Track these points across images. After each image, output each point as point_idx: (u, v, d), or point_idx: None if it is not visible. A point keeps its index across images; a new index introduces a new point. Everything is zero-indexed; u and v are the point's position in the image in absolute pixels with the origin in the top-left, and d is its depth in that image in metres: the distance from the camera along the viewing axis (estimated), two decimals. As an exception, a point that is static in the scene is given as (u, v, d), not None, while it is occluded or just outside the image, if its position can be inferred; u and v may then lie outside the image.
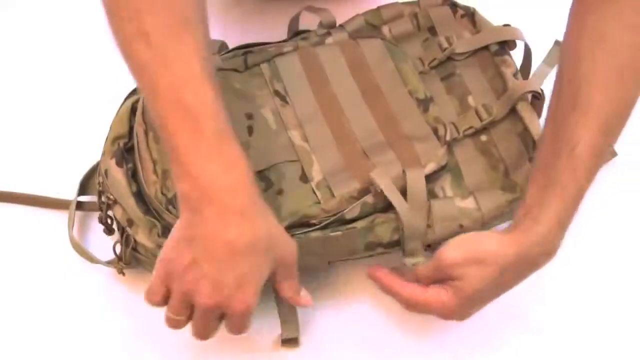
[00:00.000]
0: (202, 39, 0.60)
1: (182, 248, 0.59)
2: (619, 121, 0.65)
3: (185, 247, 0.59)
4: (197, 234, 0.59)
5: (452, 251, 0.65)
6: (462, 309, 0.66)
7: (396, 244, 0.72)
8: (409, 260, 0.71)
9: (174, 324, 0.63)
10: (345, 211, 0.70)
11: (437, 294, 0.66)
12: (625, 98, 0.65)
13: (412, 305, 0.68)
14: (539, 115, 0.77)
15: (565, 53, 0.68)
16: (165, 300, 0.62)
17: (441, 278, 0.66)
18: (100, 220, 0.74)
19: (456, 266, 0.64)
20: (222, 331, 0.76)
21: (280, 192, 0.71)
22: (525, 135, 0.76)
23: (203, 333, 0.64)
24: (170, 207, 0.69)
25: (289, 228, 0.69)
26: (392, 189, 0.70)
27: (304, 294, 0.67)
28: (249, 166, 0.59)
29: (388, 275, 0.70)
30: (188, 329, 0.64)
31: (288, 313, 0.71)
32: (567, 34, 0.69)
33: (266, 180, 0.72)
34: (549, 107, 0.68)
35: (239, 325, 0.63)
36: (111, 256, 0.76)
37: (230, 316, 0.62)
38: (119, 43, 0.60)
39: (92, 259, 0.76)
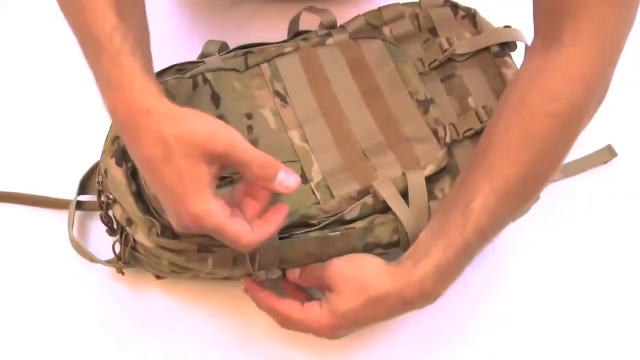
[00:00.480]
0: None
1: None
2: (522, 191, 0.65)
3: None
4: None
5: (342, 264, 0.67)
6: (333, 326, 0.66)
7: (395, 245, 0.72)
8: None
9: None
10: (344, 212, 0.70)
11: (311, 309, 0.67)
12: (531, 168, 0.64)
13: (286, 322, 0.69)
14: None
15: (497, 106, 0.69)
16: None
17: (322, 284, 0.68)
18: (102, 220, 0.74)
19: (339, 277, 0.66)
20: (221, 331, 0.76)
21: None
22: None
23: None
24: None
25: (288, 228, 0.69)
26: (395, 198, 0.70)
27: (282, 177, 0.59)
28: (138, 80, 0.57)
29: (263, 291, 0.70)
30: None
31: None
32: (507, 86, 0.69)
33: None
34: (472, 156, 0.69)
35: (224, 239, 0.59)
36: (111, 255, 0.75)
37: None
38: None
39: (91, 259, 0.76)
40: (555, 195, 0.84)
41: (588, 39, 0.62)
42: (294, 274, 0.70)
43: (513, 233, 0.79)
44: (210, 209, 0.56)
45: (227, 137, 0.57)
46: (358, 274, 0.66)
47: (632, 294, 0.80)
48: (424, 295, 0.65)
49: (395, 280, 0.65)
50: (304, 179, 0.72)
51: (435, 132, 0.74)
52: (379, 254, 0.71)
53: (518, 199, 0.66)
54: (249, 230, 0.59)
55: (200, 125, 0.57)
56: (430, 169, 0.72)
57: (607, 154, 0.87)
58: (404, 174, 0.71)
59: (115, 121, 0.59)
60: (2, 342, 0.77)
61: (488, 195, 0.64)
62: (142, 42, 0.61)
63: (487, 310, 0.79)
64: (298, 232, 0.69)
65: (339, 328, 0.67)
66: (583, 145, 0.85)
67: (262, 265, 0.69)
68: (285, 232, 0.69)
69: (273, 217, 0.61)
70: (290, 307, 0.68)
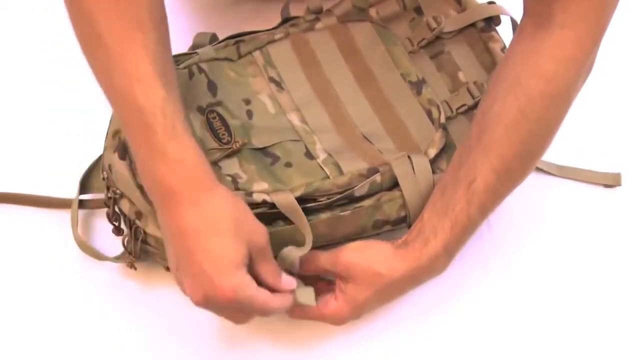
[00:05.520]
0: (154, 38, 0.62)
1: (168, 251, 0.63)
2: (519, 168, 0.69)
3: (169, 250, 0.62)
4: (167, 232, 0.62)
5: (351, 254, 0.69)
6: (351, 315, 0.70)
7: (402, 221, 0.73)
8: None
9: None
10: (355, 188, 0.70)
11: (327, 304, 0.69)
12: (528, 146, 0.68)
13: (300, 315, 0.70)
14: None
15: (489, 86, 0.71)
16: None
17: (328, 273, 0.70)
18: (109, 219, 0.73)
19: (352, 269, 0.68)
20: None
21: (288, 164, 0.72)
22: None
23: (234, 321, 0.65)
24: None
25: (301, 201, 0.69)
26: (409, 176, 0.72)
27: (285, 278, 0.66)
28: (199, 157, 0.61)
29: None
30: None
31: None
32: (498, 66, 0.72)
33: (272, 155, 0.73)
34: (468, 135, 0.71)
35: (253, 312, 0.64)
36: (117, 252, 0.75)
37: (234, 307, 0.62)
38: (79, 42, 0.63)
39: (99, 257, 0.75)
40: (550, 190, 0.87)
41: (577, 21, 0.65)
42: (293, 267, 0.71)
43: (507, 214, 0.83)
44: (246, 281, 0.61)
45: (267, 234, 0.63)
46: (369, 263, 0.68)
47: (616, 273, 0.83)
48: (432, 273, 0.69)
49: (407, 264, 0.68)
50: (310, 156, 0.73)
51: (429, 113, 0.76)
52: (388, 231, 0.73)
53: (516, 175, 0.70)
54: (273, 296, 0.63)
55: (253, 218, 0.63)
56: (432, 153, 0.73)
57: (611, 179, 0.88)
58: (409, 157, 0.72)
59: (162, 191, 0.60)
60: (14, 346, 0.76)
61: (489, 176, 0.67)
62: (184, 115, 0.62)
63: (481, 287, 0.81)
64: (309, 205, 0.69)
65: (356, 316, 0.70)
66: (598, 162, 0.89)
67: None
68: (300, 204, 0.69)
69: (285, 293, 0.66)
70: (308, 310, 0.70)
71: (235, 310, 0.63)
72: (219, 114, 0.73)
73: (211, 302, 0.61)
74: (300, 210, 0.68)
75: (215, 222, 0.59)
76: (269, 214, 0.68)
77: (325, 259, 0.70)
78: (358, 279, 0.68)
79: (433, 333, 0.78)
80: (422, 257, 0.68)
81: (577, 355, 0.78)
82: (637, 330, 0.79)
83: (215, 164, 0.70)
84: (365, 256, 0.68)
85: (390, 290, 0.69)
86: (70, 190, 0.79)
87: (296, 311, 0.70)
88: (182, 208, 0.59)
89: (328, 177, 0.71)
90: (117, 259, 0.75)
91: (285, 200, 0.68)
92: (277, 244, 0.68)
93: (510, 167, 0.68)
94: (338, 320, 0.70)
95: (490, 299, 0.80)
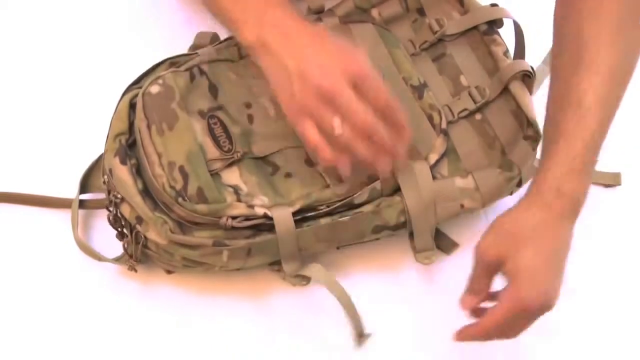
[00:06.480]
0: None
1: (277, 72, 0.65)
2: (624, 73, 0.67)
3: (280, 70, 0.65)
4: (275, 54, 0.64)
5: (485, 240, 0.65)
6: (531, 292, 0.63)
7: (402, 226, 0.73)
8: (421, 259, 0.74)
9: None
10: (354, 196, 0.71)
11: (505, 298, 0.64)
12: (629, 48, 0.67)
13: (498, 331, 0.65)
14: (531, 92, 0.78)
15: (564, 14, 0.69)
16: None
17: (493, 272, 0.66)
18: (110, 222, 0.73)
19: (495, 251, 0.64)
20: (235, 322, 0.76)
21: (288, 175, 0.72)
22: (518, 113, 0.77)
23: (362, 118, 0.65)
24: (180, 200, 0.69)
25: (301, 212, 0.69)
26: (412, 183, 0.72)
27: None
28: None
29: (467, 328, 0.67)
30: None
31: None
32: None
33: (272, 165, 0.73)
34: (552, 67, 0.69)
35: (377, 90, 0.65)
36: (117, 252, 0.75)
37: (359, 83, 0.64)
38: None
39: (99, 258, 0.75)
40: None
41: None
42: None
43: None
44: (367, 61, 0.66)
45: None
46: (504, 234, 0.65)
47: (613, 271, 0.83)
48: (566, 196, 0.64)
49: (532, 201, 0.64)
50: (310, 163, 0.73)
51: (430, 118, 0.75)
52: (387, 236, 0.73)
53: (621, 84, 0.67)
54: None
55: None
56: (432, 158, 0.74)
57: (611, 179, 0.87)
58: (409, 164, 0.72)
59: (274, 25, 0.65)
60: (13, 345, 0.76)
61: (596, 88, 0.65)
62: None
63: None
64: (308, 217, 0.70)
65: (539, 292, 0.63)
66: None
67: (284, 256, 0.70)
68: (299, 215, 0.69)
69: None
70: (493, 316, 0.64)
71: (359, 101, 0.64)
72: (220, 120, 0.73)
73: (347, 77, 0.63)
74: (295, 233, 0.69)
75: (318, 30, 0.66)
76: (269, 225, 0.69)
77: (475, 274, 0.67)
78: (509, 257, 0.63)
79: (434, 335, 0.78)
80: (546, 183, 0.64)
81: (577, 355, 0.78)
82: (637, 329, 0.80)
83: (216, 174, 0.70)
84: (497, 232, 0.65)
85: (546, 238, 0.63)
86: (70, 190, 0.79)
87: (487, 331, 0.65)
88: (287, 29, 0.65)
89: (328, 186, 0.71)
90: (116, 260, 0.75)
91: (283, 217, 0.69)
92: (273, 252, 0.70)
93: (615, 76, 0.66)
94: (521, 307, 0.63)
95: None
